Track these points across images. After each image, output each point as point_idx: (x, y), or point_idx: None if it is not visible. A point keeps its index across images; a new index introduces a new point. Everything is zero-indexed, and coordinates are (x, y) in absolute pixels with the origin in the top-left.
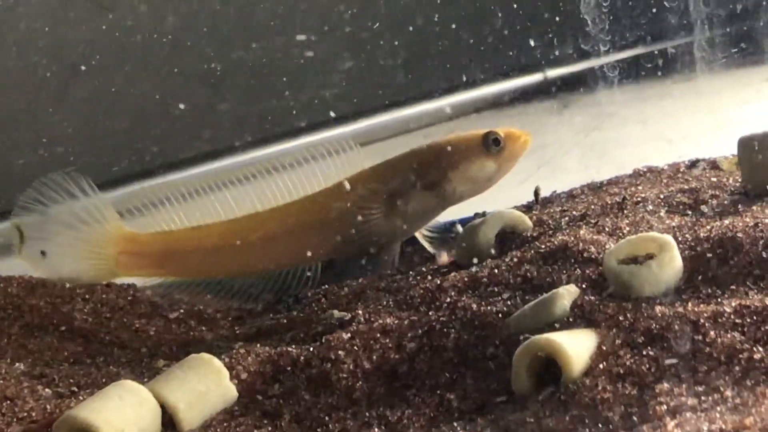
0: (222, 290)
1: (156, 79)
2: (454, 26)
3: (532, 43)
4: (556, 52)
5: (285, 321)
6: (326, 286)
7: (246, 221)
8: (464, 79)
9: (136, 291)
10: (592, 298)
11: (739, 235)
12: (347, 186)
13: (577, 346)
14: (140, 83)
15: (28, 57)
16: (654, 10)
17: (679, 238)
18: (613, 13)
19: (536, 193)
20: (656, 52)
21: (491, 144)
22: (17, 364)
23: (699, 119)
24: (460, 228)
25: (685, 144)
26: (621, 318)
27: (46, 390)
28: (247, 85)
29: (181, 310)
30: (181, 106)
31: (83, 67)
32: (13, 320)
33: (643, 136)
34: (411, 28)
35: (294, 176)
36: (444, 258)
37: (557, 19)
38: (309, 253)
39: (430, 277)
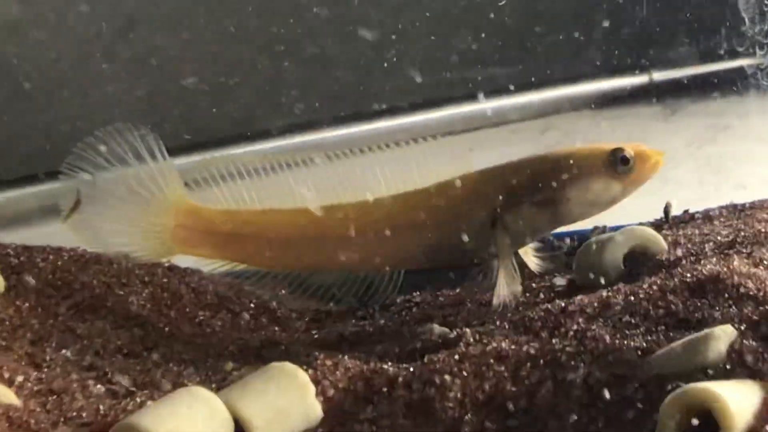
0: (299, 287)
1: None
2: (550, 18)
3: (638, 41)
4: (665, 53)
5: (371, 329)
6: (417, 293)
7: (327, 212)
8: (561, 74)
9: (202, 278)
10: (754, 343)
11: None
12: (450, 188)
13: (739, 400)
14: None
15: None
16: None
17: None
18: (735, 15)
19: (666, 210)
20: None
21: (619, 162)
22: (63, 351)
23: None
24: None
25: None
26: None
27: (98, 386)
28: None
29: (252, 305)
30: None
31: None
32: (61, 298)
33: (765, 155)
34: (508, 18)
35: (391, 167)
36: (560, 281)
37: (668, 17)
38: (397, 258)
39: (544, 297)
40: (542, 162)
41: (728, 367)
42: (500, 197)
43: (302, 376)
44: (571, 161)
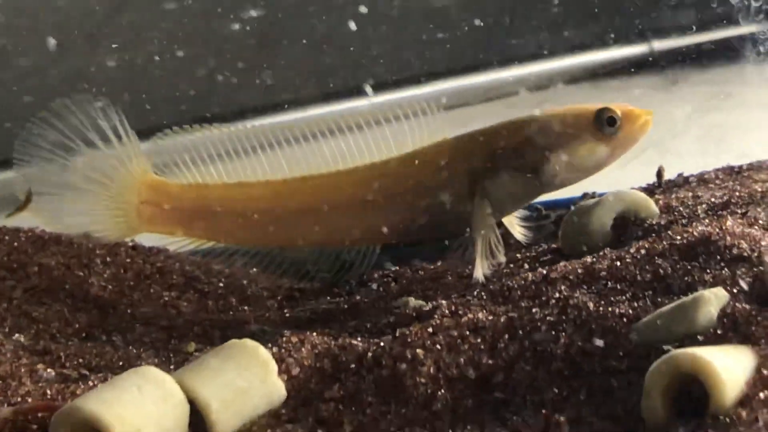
0: (271, 264)
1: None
2: None
3: (637, 9)
4: (665, 22)
5: (346, 306)
6: (396, 267)
7: (300, 183)
8: (557, 45)
9: (169, 257)
10: (747, 306)
11: None
12: (426, 155)
13: (731, 367)
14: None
15: None
16: None
17: None
18: None
19: (659, 174)
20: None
21: (605, 123)
22: (17, 335)
23: None
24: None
25: None
26: None
27: (49, 370)
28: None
29: (221, 284)
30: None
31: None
32: (17, 281)
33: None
34: None
35: (363, 137)
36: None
37: None
38: (372, 231)
39: (528, 267)
40: (525, 124)
41: (719, 332)
42: (480, 163)
43: (263, 354)
44: (555, 123)
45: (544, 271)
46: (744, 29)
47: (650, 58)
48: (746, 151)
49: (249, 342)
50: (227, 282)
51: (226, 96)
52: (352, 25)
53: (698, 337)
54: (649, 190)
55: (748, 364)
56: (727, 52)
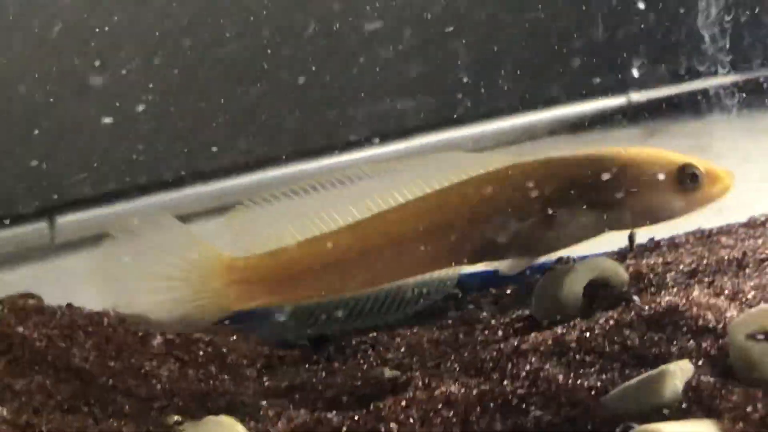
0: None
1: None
2: (527, 40)
3: (616, 61)
4: (642, 73)
5: (324, 374)
6: (374, 333)
7: (370, 224)
8: (538, 97)
9: (151, 326)
10: (712, 379)
11: None
12: (505, 178)
13: None
14: None
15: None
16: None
17: None
18: (713, 31)
19: (631, 238)
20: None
21: (687, 178)
22: (0, 409)
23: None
24: None
25: None
26: (749, 409)
27: None
28: None
29: (201, 353)
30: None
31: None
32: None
33: (746, 177)
34: (484, 40)
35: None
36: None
37: (645, 35)
38: (446, 257)
39: (502, 335)
40: (605, 160)
41: (684, 405)
42: (552, 191)
43: (240, 431)
44: (638, 165)
45: (516, 342)
46: (719, 81)
47: (628, 111)
48: (723, 207)
49: (225, 419)
50: (207, 350)
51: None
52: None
53: (664, 410)
54: (622, 255)
55: None
56: (704, 104)
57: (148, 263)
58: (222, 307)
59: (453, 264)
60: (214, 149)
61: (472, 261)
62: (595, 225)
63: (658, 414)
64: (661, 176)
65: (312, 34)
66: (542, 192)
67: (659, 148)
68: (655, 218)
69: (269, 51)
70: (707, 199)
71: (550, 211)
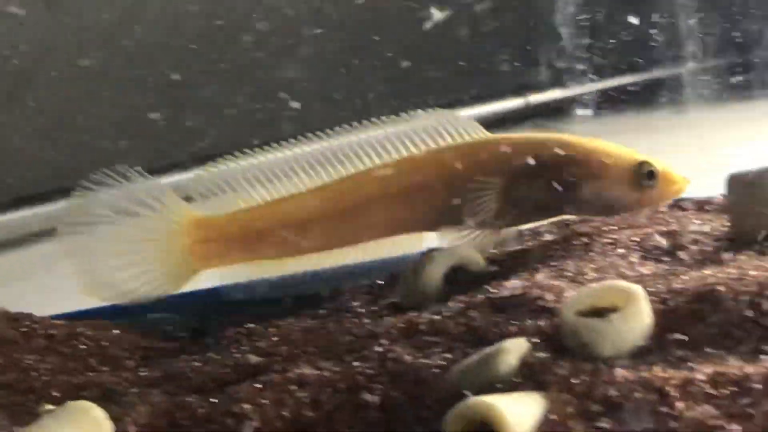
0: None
1: None
2: (428, 45)
3: (513, 66)
4: (537, 77)
5: (198, 364)
6: (251, 324)
7: (335, 187)
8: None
9: (33, 322)
10: (545, 355)
11: (720, 288)
12: (463, 150)
13: (520, 413)
14: None
15: None
16: (645, 37)
17: (651, 289)
18: (599, 38)
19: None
20: (645, 82)
21: (644, 175)
22: None
23: (690, 156)
24: None
25: None
26: (575, 381)
27: None
28: None
29: (82, 347)
30: None
31: None
32: None
33: None
34: (384, 46)
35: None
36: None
37: (538, 43)
38: (406, 223)
39: (369, 321)
40: (571, 145)
41: (517, 380)
42: (521, 166)
43: (97, 413)
44: (600, 154)
45: (370, 327)
46: (611, 83)
47: (525, 112)
48: None
49: (85, 403)
50: (89, 344)
51: None
52: None
53: (498, 385)
54: None
55: (537, 410)
56: (592, 105)
57: (117, 220)
58: (188, 267)
59: (412, 230)
60: None
61: (431, 228)
62: (551, 206)
63: (493, 388)
64: (619, 169)
65: None
66: (504, 167)
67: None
68: (607, 209)
69: None
70: (660, 198)
71: (509, 187)
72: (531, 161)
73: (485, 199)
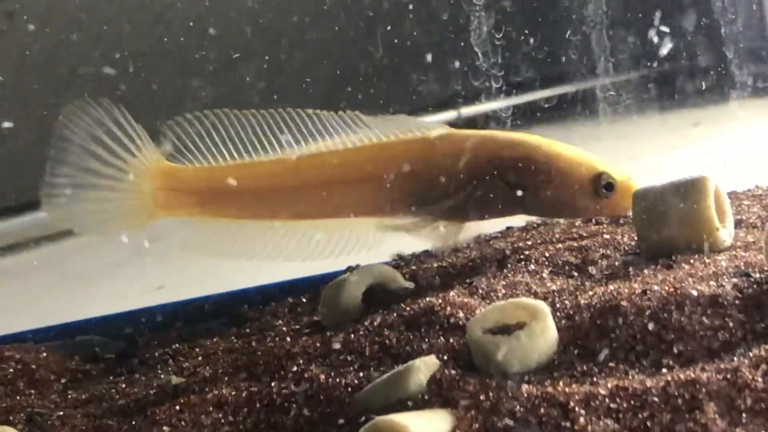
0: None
1: None
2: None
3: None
4: (469, 91)
5: (123, 385)
6: (177, 345)
7: (307, 161)
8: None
9: None
10: (454, 372)
11: (624, 303)
12: (432, 143)
13: (425, 429)
14: None
15: None
16: (571, 50)
17: (557, 305)
18: (526, 52)
19: (399, 255)
20: (574, 93)
21: (601, 186)
22: None
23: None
24: None
25: None
26: (482, 397)
27: None
28: None
29: (11, 370)
30: None
31: None
32: None
33: None
34: (325, 61)
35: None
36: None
37: (466, 59)
38: (371, 206)
39: (290, 341)
40: (539, 151)
41: (426, 397)
42: (486, 163)
43: None
44: (561, 160)
45: (288, 346)
46: (543, 94)
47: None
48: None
49: (7, 428)
50: (17, 367)
51: None
52: None
53: (408, 402)
54: (407, 261)
55: (445, 426)
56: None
57: (89, 154)
58: (150, 213)
59: (373, 214)
60: None
61: (393, 215)
62: (508, 205)
63: (402, 406)
64: (578, 177)
65: None
66: (468, 162)
67: (586, 151)
68: (563, 213)
69: None
70: (616, 210)
71: (470, 182)
72: (494, 159)
73: (446, 191)
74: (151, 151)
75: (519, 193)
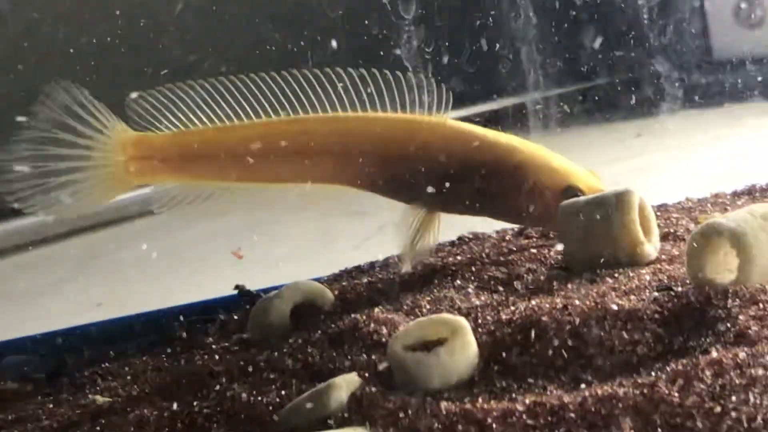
0: None
1: None
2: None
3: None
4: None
5: (51, 405)
6: (107, 364)
7: (280, 126)
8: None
9: None
10: (375, 390)
11: (545, 318)
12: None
13: None
14: None
15: None
16: (513, 65)
17: (479, 320)
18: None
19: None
20: (516, 106)
21: (570, 197)
22: None
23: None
24: None
25: None
26: (401, 415)
27: None
28: None
29: None
30: None
31: None
32: None
33: None
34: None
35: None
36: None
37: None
38: (349, 178)
39: (218, 358)
40: (508, 151)
41: (346, 415)
42: (476, 157)
43: None
44: (535, 167)
45: (211, 365)
46: (484, 107)
47: None
48: (463, 228)
49: None
50: None
51: None
52: None
53: (329, 421)
54: (339, 276)
55: None
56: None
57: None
58: (125, 183)
59: (345, 185)
60: None
61: (364, 188)
62: (480, 205)
63: (323, 424)
64: (549, 188)
65: None
66: (446, 155)
67: (564, 158)
68: (527, 220)
69: None
70: None
71: (448, 173)
72: (475, 157)
73: (424, 177)
74: (117, 125)
75: (492, 196)
